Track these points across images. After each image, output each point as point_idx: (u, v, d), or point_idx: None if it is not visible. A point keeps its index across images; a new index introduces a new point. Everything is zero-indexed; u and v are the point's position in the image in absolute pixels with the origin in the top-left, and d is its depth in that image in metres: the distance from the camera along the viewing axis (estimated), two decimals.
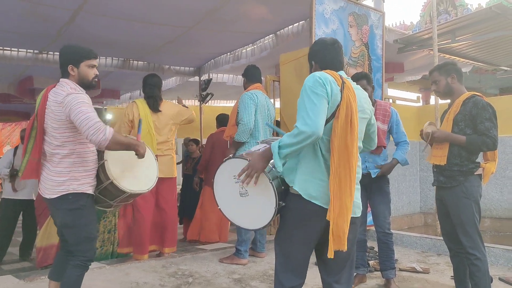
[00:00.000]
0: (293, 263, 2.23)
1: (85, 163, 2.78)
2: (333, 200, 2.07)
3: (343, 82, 2.17)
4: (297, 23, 5.97)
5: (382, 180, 3.83)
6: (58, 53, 2.95)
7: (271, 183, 2.17)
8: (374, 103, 3.84)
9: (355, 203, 2.20)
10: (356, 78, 3.77)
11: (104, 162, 2.83)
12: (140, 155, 2.88)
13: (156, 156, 4.43)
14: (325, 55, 2.34)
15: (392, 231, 3.95)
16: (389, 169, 3.83)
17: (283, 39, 6.32)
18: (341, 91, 2.14)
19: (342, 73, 2.28)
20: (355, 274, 3.84)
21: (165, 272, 4.08)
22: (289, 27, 6.12)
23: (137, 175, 3.03)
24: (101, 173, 2.84)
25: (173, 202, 4.82)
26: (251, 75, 4.74)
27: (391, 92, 12.54)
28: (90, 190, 2.80)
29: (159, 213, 4.65)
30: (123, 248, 4.79)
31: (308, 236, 2.20)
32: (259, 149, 2.34)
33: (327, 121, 2.12)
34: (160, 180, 4.52)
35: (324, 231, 2.15)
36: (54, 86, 2.79)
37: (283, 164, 2.19)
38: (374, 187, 3.82)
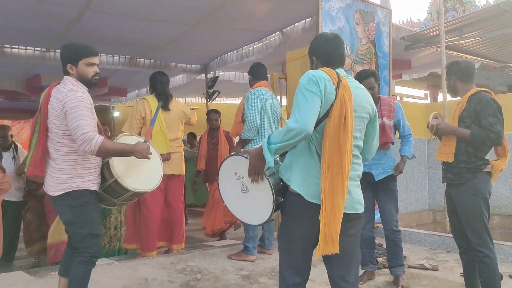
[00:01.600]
0: (294, 260, 2.23)
1: (88, 160, 2.79)
2: (324, 201, 2.05)
3: (339, 80, 2.14)
4: (304, 21, 5.96)
5: (388, 178, 3.82)
6: None
7: (267, 179, 2.19)
8: (378, 99, 3.83)
9: (357, 200, 2.20)
10: (363, 75, 3.76)
11: (108, 160, 2.84)
12: (141, 158, 2.85)
13: (168, 153, 4.48)
14: (327, 50, 2.30)
15: (401, 228, 3.94)
16: (403, 167, 3.82)
17: (290, 36, 6.31)
18: (336, 90, 2.10)
19: (340, 70, 2.25)
20: (363, 271, 3.86)
21: (174, 268, 4.10)
22: (296, 24, 6.11)
23: (142, 174, 3.03)
24: (105, 170, 2.86)
25: (181, 199, 4.84)
26: (257, 73, 4.74)
27: (398, 89, 12.48)
28: (94, 187, 2.82)
29: (167, 210, 4.68)
30: (130, 244, 4.81)
31: (306, 233, 2.18)
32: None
33: (320, 121, 2.10)
34: (170, 177, 4.56)
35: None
36: (59, 83, 2.82)
37: (281, 162, 2.22)
38: (380, 185, 3.81)
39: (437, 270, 4.22)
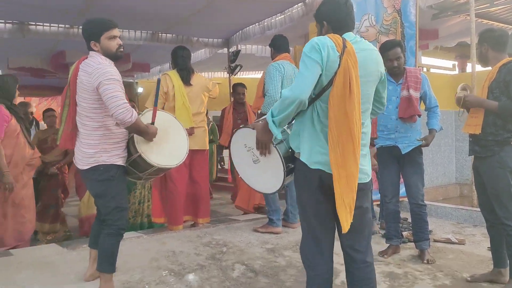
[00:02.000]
0: (311, 227, 2.24)
1: (114, 135, 2.85)
2: (338, 170, 2.04)
3: (345, 47, 2.07)
4: None
5: (414, 151, 3.75)
6: None
7: (275, 147, 2.23)
8: (404, 71, 3.74)
9: (362, 170, 2.17)
10: (389, 46, 3.68)
11: (133, 135, 2.90)
12: (149, 140, 2.94)
13: (192, 127, 4.50)
14: (339, 16, 2.24)
15: (426, 202, 3.91)
16: (431, 141, 3.76)
17: (312, 7, 6.16)
18: (340, 57, 2.05)
19: (348, 35, 2.19)
20: (388, 245, 3.86)
21: (200, 241, 4.18)
22: None
23: (167, 149, 3.07)
24: (131, 145, 2.93)
25: (205, 173, 4.90)
26: (278, 45, 4.67)
27: (425, 60, 12.12)
28: (120, 162, 2.88)
29: (192, 184, 4.74)
30: (157, 218, 4.86)
31: (314, 199, 2.19)
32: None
33: (325, 89, 2.08)
34: (194, 152, 4.60)
35: (332, 195, 2.12)
36: (86, 58, 2.85)
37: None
38: (406, 158, 3.75)
39: (463, 244, 4.18)
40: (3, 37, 6.46)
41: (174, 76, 4.55)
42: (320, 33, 2.29)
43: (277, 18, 6.90)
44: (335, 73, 2.05)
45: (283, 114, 2.06)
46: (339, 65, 2.05)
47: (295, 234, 4.46)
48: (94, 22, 2.89)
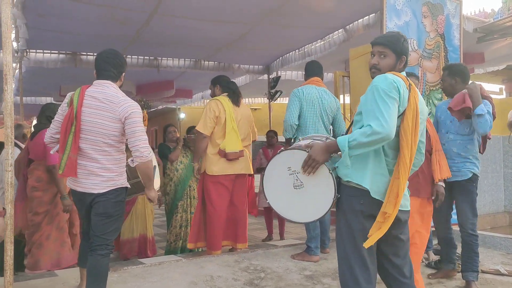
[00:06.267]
0: (360, 253, 2.21)
1: (124, 159, 2.99)
2: (398, 197, 2.12)
3: (410, 84, 2.23)
4: (367, 16, 5.82)
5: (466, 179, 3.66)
6: (135, 56, 3.16)
7: (331, 173, 2.21)
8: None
9: (406, 197, 2.29)
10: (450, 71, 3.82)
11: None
12: (150, 198, 3.12)
13: (241, 151, 4.58)
14: (408, 52, 2.35)
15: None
16: None
17: (353, 33, 6.19)
18: (408, 94, 2.19)
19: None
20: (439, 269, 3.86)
21: (238, 266, 4.17)
22: (359, 20, 5.99)
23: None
24: (127, 171, 3.10)
25: (245, 198, 4.91)
26: (309, 70, 4.70)
27: None
28: (127, 185, 3.03)
29: (232, 208, 4.74)
30: (191, 244, 4.72)
31: (365, 226, 2.19)
32: (300, 145, 2.37)
33: None
34: (238, 176, 4.66)
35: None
36: (89, 87, 2.90)
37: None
38: (457, 185, 3.65)
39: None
40: (56, 67, 6.85)
41: (224, 101, 4.64)
42: (392, 65, 2.32)
43: (317, 44, 6.98)
44: (405, 109, 2.17)
45: (365, 147, 2.09)
46: (408, 101, 2.18)
47: (334, 261, 4.36)
48: (124, 58, 3.10)
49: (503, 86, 13.23)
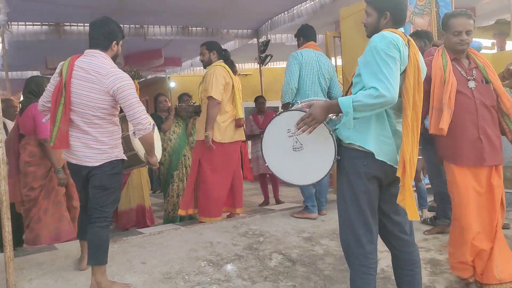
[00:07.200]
0: (364, 215, 2.22)
1: (119, 130, 2.94)
2: (409, 161, 2.07)
3: (408, 40, 2.15)
4: None
5: None
6: (121, 25, 3.02)
7: (331, 134, 2.16)
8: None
9: None
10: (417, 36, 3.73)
11: (128, 134, 3.21)
12: (150, 161, 3.15)
13: (240, 118, 4.55)
14: (402, 7, 2.23)
15: None
16: None
17: None
18: (408, 51, 2.12)
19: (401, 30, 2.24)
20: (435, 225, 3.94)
21: (237, 232, 4.22)
22: None
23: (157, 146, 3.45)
24: (123, 143, 3.06)
25: (239, 163, 4.95)
26: (305, 35, 4.71)
27: None
28: (123, 156, 2.98)
29: None
30: (184, 210, 4.69)
31: (370, 189, 2.20)
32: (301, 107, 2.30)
33: None
34: (235, 143, 4.68)
35: (382, 185, 2.24)
36: (79, 56, 2.81)
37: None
38: None
39: (508, 228, 4.02)
40: (40, 39, 6.67)
41: (227, 68, 4.58)
42: (375, 23, 2.24)
43: (306, 5, 6.81)
44: (406, 66, 2.11)
45: (370, 110, 2.02)
46: (408, 58, 2.11)
47: (331, 222, 4.42)
48: (118, 25, 2.92)
49: (495, 41, 13.14)
